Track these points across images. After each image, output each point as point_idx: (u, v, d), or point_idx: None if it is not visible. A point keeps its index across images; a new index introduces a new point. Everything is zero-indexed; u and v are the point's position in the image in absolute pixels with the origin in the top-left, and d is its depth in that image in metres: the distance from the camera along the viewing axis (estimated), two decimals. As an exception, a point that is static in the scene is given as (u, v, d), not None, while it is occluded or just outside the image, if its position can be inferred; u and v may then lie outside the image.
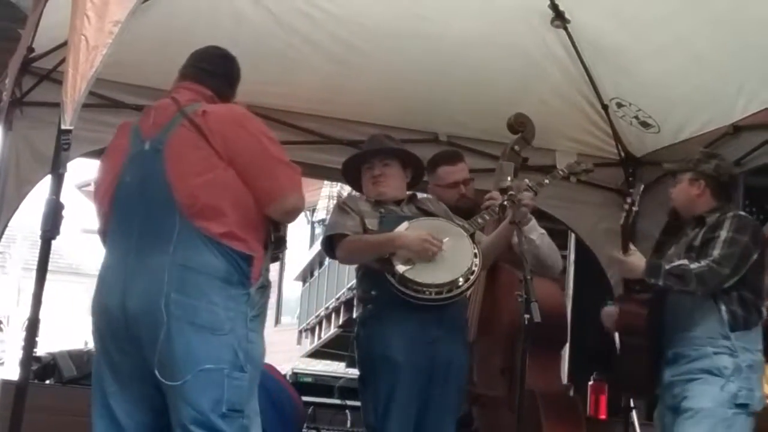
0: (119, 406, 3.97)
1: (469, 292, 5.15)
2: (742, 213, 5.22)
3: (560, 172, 5.68)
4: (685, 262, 4.99)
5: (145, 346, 3.87)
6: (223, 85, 4.36)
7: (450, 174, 5.77)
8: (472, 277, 5.00)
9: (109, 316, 3.98)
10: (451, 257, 5.00)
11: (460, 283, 4.96)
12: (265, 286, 4.14)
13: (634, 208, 5.19)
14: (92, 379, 4.14)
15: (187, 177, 3.99)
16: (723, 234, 5.00)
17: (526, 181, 5.35)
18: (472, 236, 5.14)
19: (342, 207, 5.22)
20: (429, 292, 4.93)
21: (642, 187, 5.31)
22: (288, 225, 4.37)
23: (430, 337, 4.99)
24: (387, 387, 4.95)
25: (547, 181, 5.54)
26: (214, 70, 4.36)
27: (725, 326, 4.95)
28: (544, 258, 5.66)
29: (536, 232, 5.65)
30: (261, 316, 4.11)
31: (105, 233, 4.17)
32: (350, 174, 5.48)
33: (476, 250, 5.07)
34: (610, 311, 5.49)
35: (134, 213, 4.02)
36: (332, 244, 5.15)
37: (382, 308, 5.05)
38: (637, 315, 5.31)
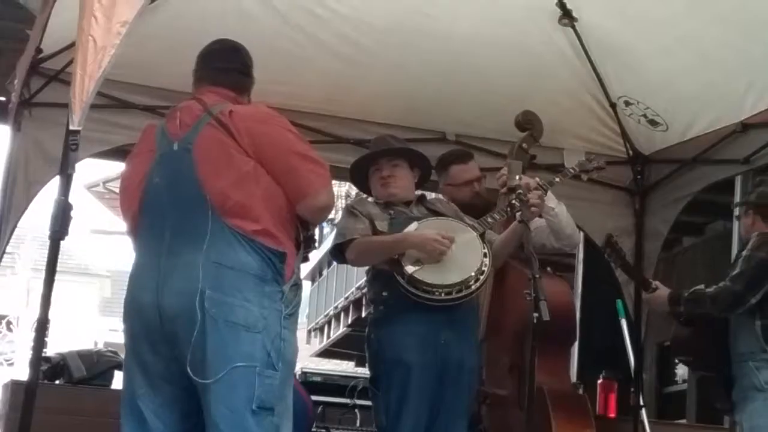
0: (148, 407, 3.99)
1: (477, 293, 5.14)
2: None
3: (571, 170, 5.68)
4: (700, 287, 5.17)
5: (180, 344, 3.89)
6: (239, 78, 4.39)
7: (463, 173, 5.80)
8: (482, 278, 5.00)
9: (142, 315, 4.00)
10: (461, 257, 4.99)
11: (470, 284, 4.96)
12: (298, 285, 4.16)
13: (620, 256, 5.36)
14: (122, 380, 4.17)
15: (218, 175, 4.02)
16: (744, 253, 5.20)
17: (537, 179, 5.34)
18: (482, 236, 5.13)
19: (351, 211, 5.20)
20: (438, 293, 4.93)
21: (612, 238, 5.56)
22: (316, 224, 4.40)
23: (441, 339, 4.98)
24: (398, 389, 4.95)
25: (557, 179, 5.54)
26: (226, 66, 4.38)
27: (761, 340, 5.05)
28: (564, 226, 5.71)
29: (554, 200, 5.65)
30: (294, 315, 4.13)
31: (134, 234, 4.19)
32: (358, 176, 5.48)
33: (486, 250, 5.06)
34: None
35: (165, 213, 4.05)
36: (341, 249, 5.14)
37: (393, 310, 5.05)
38: (685, 340, 5.44)
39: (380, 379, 5.10)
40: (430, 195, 5.75)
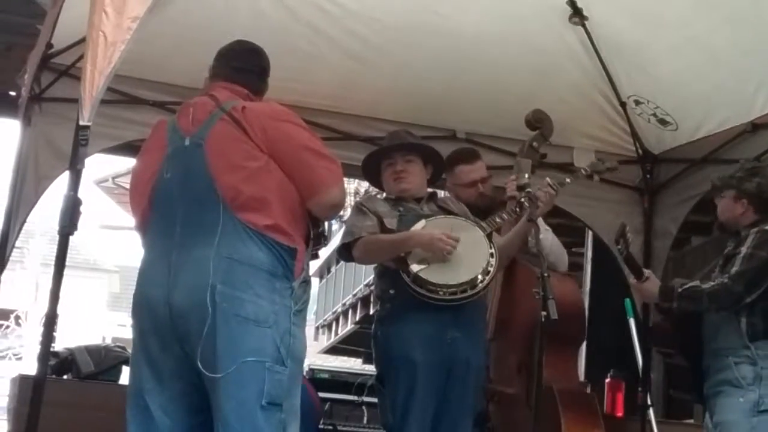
0: (155, 402, 3.97)
1: (483, 292, 5.13)
2: None
3: (583, 171, 5.64)
4: (696, 282, 5.02)
5: (191, 339, 3.88)
6: (254, 80, 4.38)
7: (468, 173, 5.79)
8: (487, 278, 4.99)
9: (152, 311, 3.99)
10: (467, 257, 4.98)
11: (476, 284, 4.96)
12: (307, 281, 4.15)
13: (620, 247, 5.18)
14: (129, 375, 4.15)
15: (230, 170, 4.01)
16: (743, 250, 5.02)
17: (548, 179, 5.33)
18: (489, 236, 5.12)
19: (360, 208, 5.20)
20: (443, 293, 4.93)
21: (626, 228, 5.31)
22: (326, 222, 4.39)
23: (448, 338, 4.98)
24: (405, 387, 4.95)
25: (569, 180, 5.51)
26: (243, 66, 4.38)
27: (744, 337, 4.99)
28: (546, 253, 5.65)
29: (541, 228, 5.65)
30: (303, 311, 4.12)
31: (143, 230, 4.18)
32: (370, 169, 5.47)
33: (493, 249, 5.05)
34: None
35: (176, 208, 4.03)
36: (348, 247, 5.13)
37: (400, 307, 5.05)
38: (667, 331, 5.37)
39: (386, 377, 5.10)
40: (443, 193, 5.74)
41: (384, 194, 5.41)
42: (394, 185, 5.28)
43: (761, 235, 5.07)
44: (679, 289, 5.01)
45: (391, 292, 5.09)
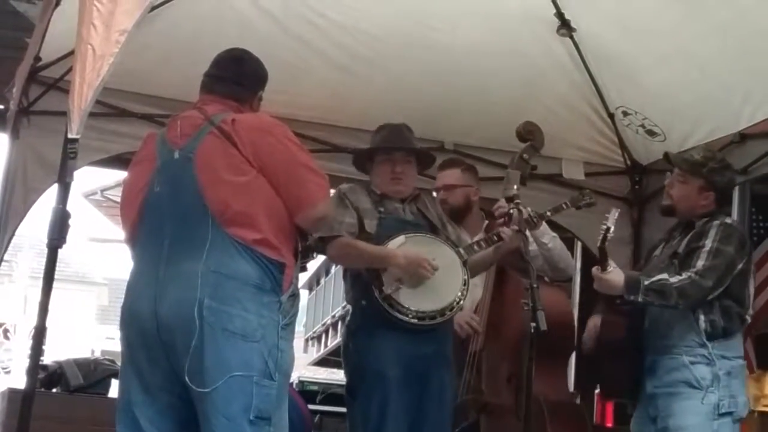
0: (144, 415, 3.97)
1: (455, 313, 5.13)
2: (729, 221, 5.05)
3: (564, 206, 5.65)
4: (664, 276, 4.82)
5: (178, 353, 3.88)
6: (234, 89, 4.34)
7: (439, 179, 5.93)
8: (456, 306, 5.01)
9: (139, 324, 3.98)
10: (441, 284, 4.99)
11: (444, 312, 4.97)
12: (296, 295, 4.15)
13: (610, 234, 5.05)
14: (118, 387, 4.15)
15: (219, 184, 4.01)
16: (708, 244, 4.85)
17: (528, 209, 5.30)
18: (465, 263, 5.10)
19: (342, 199, 5.13)
20: (412, 316, 4.92)
21: (617, 212, 5.22)
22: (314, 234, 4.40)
23: (420, 352, 4.96)
24: (378, 403, 4.91)
25: (548, 213, 5.53)
26: (222, 74, 4.36)
27: (702, 335, 4.83)
28: (557, 260, 5.76)
29: (548, 235, 5.72)
30: (291, 325, 4.12)
31: (133, 242, 4.18)
32: (360, 159, 5.43)
33: (466, 277, 5.06)
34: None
35: (165, 221, 4.03)
36: (324, 239, 5.03)
37: (371, 320, 5.02)
38: (618, 325, 5.25)
39: (358, 391, 5.06)
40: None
41: (367, 186, 5.32)
42: (389, 184, 5.22)
43: (725, 229, 4.90)
44: (646, 282, 4.80)
45: (363, 302, 5.04)
